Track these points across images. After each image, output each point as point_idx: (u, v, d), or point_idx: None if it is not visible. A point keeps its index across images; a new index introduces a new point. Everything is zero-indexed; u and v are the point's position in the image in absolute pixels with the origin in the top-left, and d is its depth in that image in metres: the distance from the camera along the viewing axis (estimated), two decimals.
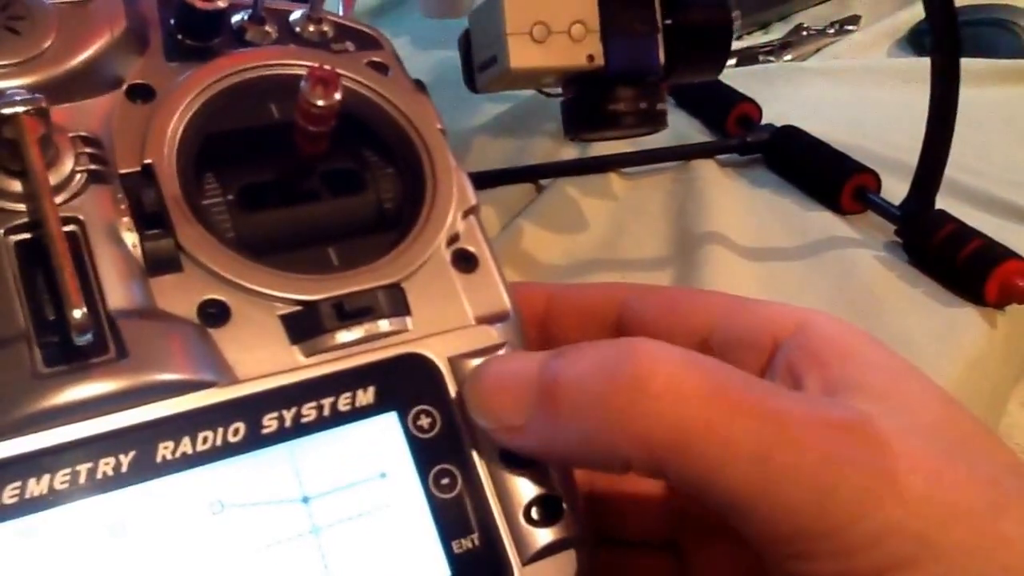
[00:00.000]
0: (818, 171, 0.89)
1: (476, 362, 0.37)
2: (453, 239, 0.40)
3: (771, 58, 1.23)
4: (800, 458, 0.31)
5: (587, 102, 0.72)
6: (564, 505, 0.36)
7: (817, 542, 0.30)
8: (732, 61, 1.18)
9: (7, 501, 0.30)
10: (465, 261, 0.40)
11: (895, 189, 0.83)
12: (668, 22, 0.67)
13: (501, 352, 0.38)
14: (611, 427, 0.32)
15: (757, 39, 1.29)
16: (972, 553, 0.30)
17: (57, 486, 0.31)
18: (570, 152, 0.92)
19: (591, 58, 0.66)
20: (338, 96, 0.36)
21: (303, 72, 0.37)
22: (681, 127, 1.00)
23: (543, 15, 0.65)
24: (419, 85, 0.44)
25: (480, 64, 0.70)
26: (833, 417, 0.32)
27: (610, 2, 0.66)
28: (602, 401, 0.32)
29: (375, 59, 0.44)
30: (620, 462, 0.33)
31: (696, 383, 0.32)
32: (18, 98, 0.33)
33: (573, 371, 0.34)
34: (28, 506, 0.31)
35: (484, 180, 0.80)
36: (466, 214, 0.41)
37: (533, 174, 0.90)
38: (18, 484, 0.31)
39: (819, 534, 0.30)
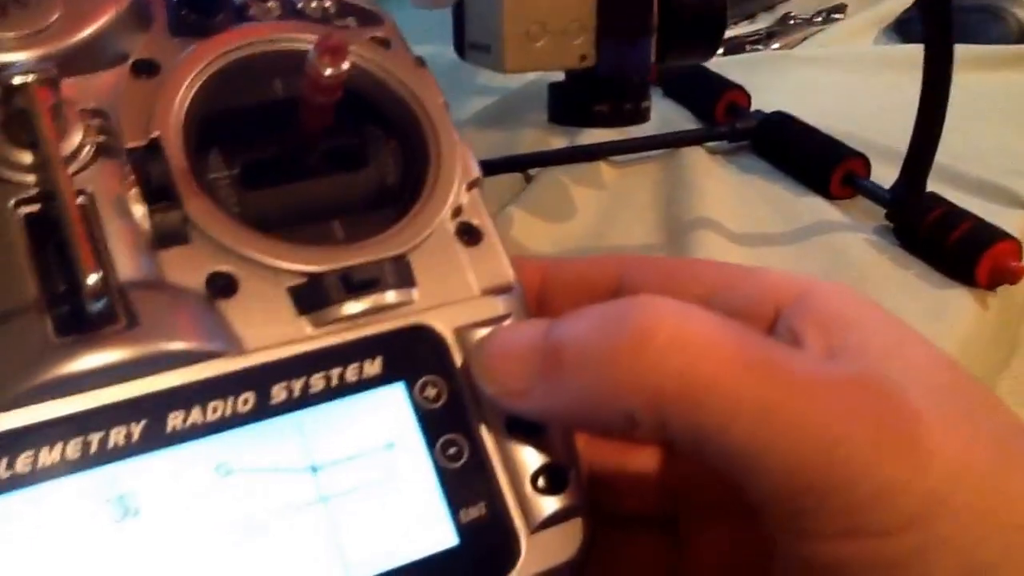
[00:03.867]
0: (808, 157, 0.89)
1: (482, 333, 0.37)
2: (457, 212, 0.40)
3: (758, 47, 1.23)
4: (808, 412, 0.30)
5: (574, 97, 0.72)
6: (570, 473, 0.37)
7: (824, 498, 0.30)
8: (719, 50, 1.18)
9: (20, 470, 0.30)
10: (469, 233, 0.40)
11: (884, 175, 0.83)
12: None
13: (508, 323, 0.38)
14: (616, 382, 0.32)
15: (744, 28, 1.29)
16: (981, 511, 0.30)
17: (69, 455, 0.31)
18: (559, 142, 0.93)
19: (583, 58, 0.67)
20: (346, 66, 0.36)
21: (307, 47, 0.37)
22: (669, 116, 1.01)
23: (541, 15, 0.65)
24: (420, 61, 0.45)
25: (472, 43, 0.70)
26: (841, 373, 0.32)
27: (608, 4, 0.66)
28: (607, 356, 0.32)
29: (377, 35, 0.44)
30: (625, 419, 0.32)
31: (702, 335, 0.31)
32: (28, 67, 0.34)
33: (577, 330, 0.34)
34: (40, 475, 0.31)
35: None
36: (470, 187, 0.41)
37: (522, 164, 0.90)
38: (31, 452, 0.31)
39: (826, 490, 0.30)
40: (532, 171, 0.90)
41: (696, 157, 0.93)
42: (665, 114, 1.02)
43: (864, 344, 0.34)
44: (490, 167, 0.88)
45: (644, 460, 0.41)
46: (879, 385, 0.31)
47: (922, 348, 0.34)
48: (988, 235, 0.75)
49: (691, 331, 0.31)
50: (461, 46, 0.73)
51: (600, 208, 0.87)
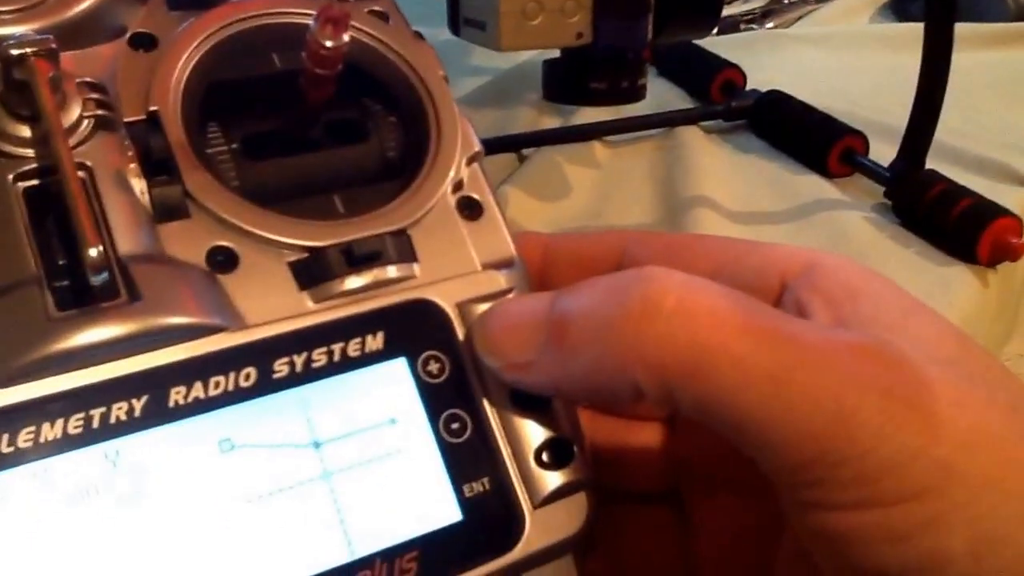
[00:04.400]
0: (805, 135, 0.89)
1: (484, 307, 0.37)
2: (458, 186, 0.40)
3: (753, 26, 1.23)
4: (819, 379, 0.30)
5: (570, 75, 0.72)
6: (574, 448, 0.36)
7: (836, 468, 0.29)
8: (713, 30, 1.18)
9: (22, 445, 0.30)
10: (470, 208, 0.40)
11: (882, 152, 0.83)
12: None
13: (511, 296, 0.38)
14: (623, 352, 0.32)
15: (738, 7, 1.29)
16: (996, 480, 0.29)
17: (71, 430, 0.31)
18: (553, 122, 0.92)
19: (580, 36, 0.67)
20: (347, 37, 0.36)
21: (305, 20, 0.37)
22: (664, 95, 1.01)
23: None
24: (419, 36, 0.44)
25: (467, 19, 0.70)
26: (853, 341, 0.31)
27: None
28: (613, 326, 0.32)
29: (376, 8, 0.44)
30: (632, 390, 0.32)
31: (708, 305, 0.31)
32: (27, 39, 0.33)
33: (582, 301, 0.33)
34: (43, 450, 0.31)
35: None
36: (470, 161, 0.41)
37: (516, 143, 0.90)
38: (32, 428, 0.31)
39: (838, 460, 0.29)
40: (526, 151, 0.90)
41: (692, 136, 0.93)
42: (659, 93, 1.01)
43: (872, 315, 0.34)
44: (484, 147, 0.88)
45: (649, 435, 0.41)
46: (889, 354, 0.31)
47: (930, 318, 0.34)
48: (988, 212, 0.75)
49: (697, 301, 0.31)
50: (456, 22, 0.73)
51: (595, 187, 0.87)
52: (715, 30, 1.17)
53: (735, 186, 0.85)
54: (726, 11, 1.27)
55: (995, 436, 0.30)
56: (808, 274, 0.36)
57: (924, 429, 0.29)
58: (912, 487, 0.29)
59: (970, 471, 0.29)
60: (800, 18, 1.26)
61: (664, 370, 0.31)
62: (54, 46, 0.34)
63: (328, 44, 0.36)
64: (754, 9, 1.27)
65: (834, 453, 0.29)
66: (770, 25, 1.24)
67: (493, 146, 0.88)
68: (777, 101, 0.93)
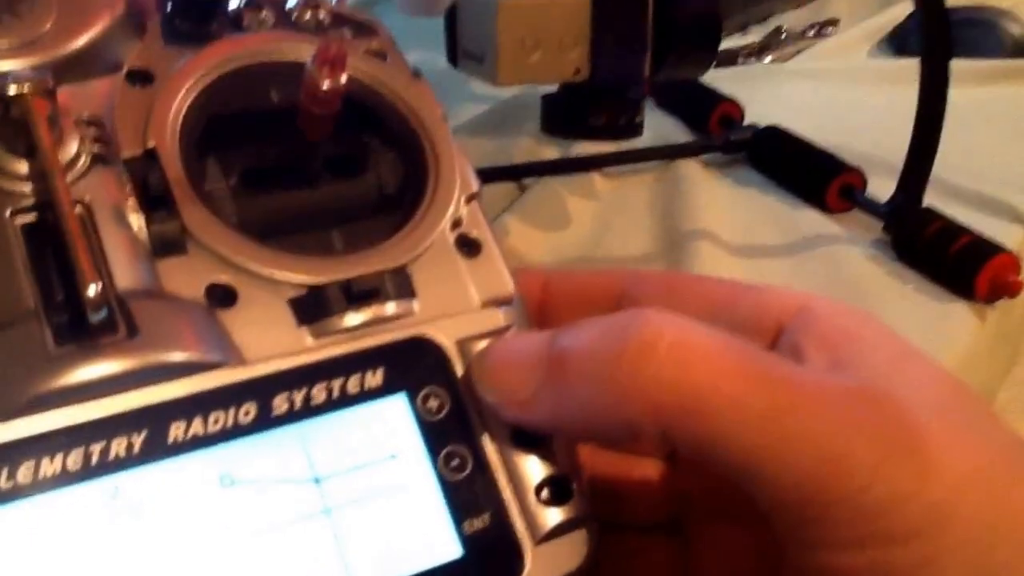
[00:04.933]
0: (804, 170, 0.89)
1: (483, 344, 0.37)
2: (456, 224, 0.40)
3: (751, 60, 1.24)
4: (812, 422, 0.30)
5: (568, 110, 0.72)
6: (574, 485, 0.36)
7: (830, 509, 0.30)
8: (711, 68, 1.18)
9: (21, 480, 0.30)
10: (468, 246, 0.40)
11: (881, 187, 0.83)
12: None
13: (510, 334, 0.38)
14: (619, 392, 0.32)
15: (737, 41, 1.29)
16: (987, 523, 0.30)
17: (70, 466, 0.31)
18: (552, 152, 0.92)
19: (578, 71, 0.67)
20: (344, 78, 0.36)
21: (302, 58, 0.37)
22: (663, 127, 1.01)
23: (535, 28, 0.65)
24: (417, 73, 0.44)
25: (465, 51, 0.70)
26: (844, 384, 0.32)
27: (603, 19, 0.66)
28: (610, 367, 0.32)
29: (373, 46, 0.44)
30: (628, 429, 0.32)
31: (703, 347, 0.32)
32: (24, 77, 0.33)
33: (581, 341, 0.34)
34: (42, 485, 0.30)
35: None
36: (468, 199, 0.41)
37: (517, 173, 0.90)
38: (32, 463, 0.31)
39: (832, 501, 0.30)
40: (526, 180, 0.90)
41: (691, 169, 0.93)
42: (658, 125, 1.02)
43: (866, 359, 0.34)
44: (484, 176, 0.88)
45: (649, 468, 0.41)
46: (882, 398, 0.31)
47: (923, 363, 0.35)
48: (986, 250, 0.75)
49: (691, 343, 0.32)
50: (454, 54, 0.73)
51: (596, 218, 0.87)
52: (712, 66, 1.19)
53: (734, 220, 0.86)
54: (725, 44, 1.27)
55: (985, 480, 0.31)
56: (803, 317, 0.37)
57: (917, 472, 0.30)
58: (905, 529, 0.30)
59: (962, 514, 0.30)
60: (798, 52, 1.27)
61: (659, 410, 0.31)
62: (51, 84, 0.34)
63: (325, 86, 0.36)
64: (753, 43, 1.27)
65: (828, 494, 0.30)
66: (768, 59, 1.24)
67: (494, 175, 0.88)
68: (775, 136, 0.93)
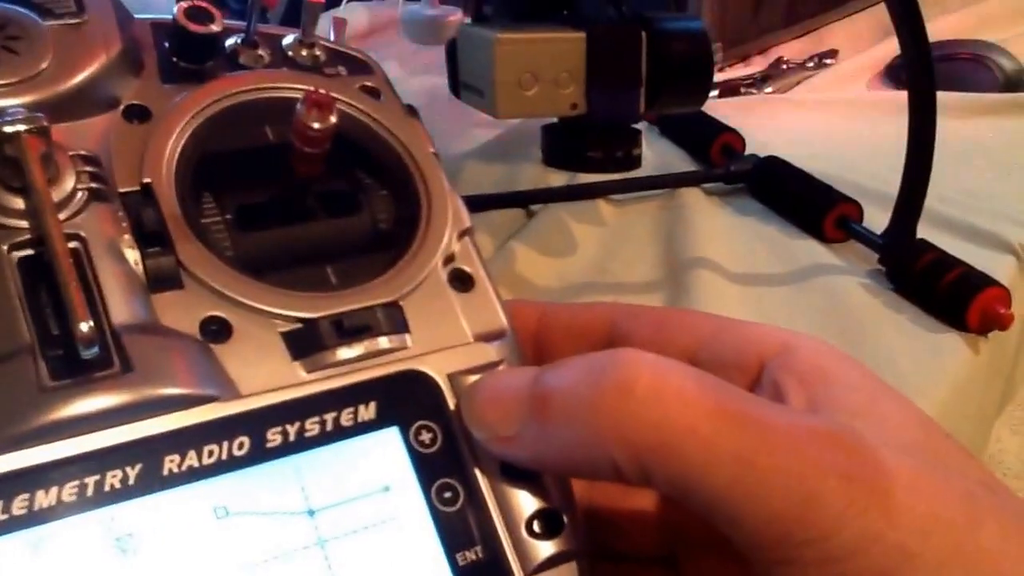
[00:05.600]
0: (802, 200, 0.90)
1: (475, 378, 0.37)
2: (449, 259, 0.40)
3: (752, 90, 1.24)
4: (783, 464, 0.31)
5: (567, 142, 0.73)
6: (565, 518, 0.37)
7: (800, 549, 0.30)
8: (714, 92, 1.19)
9: (16, 512, 0.30)
10: (461, 281, 0.40)
11: (877, 218, 0.84)
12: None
13: (499, 369, 0.38)
14: (599, 432, 0.32)
15: (738, 72, 1.30)
16: (951, 564, 0.30)
17: (65, 498, 0.31)
18: (558, 179, 0.93)
19: (574, 106, 0.68)
20: (333, 119, 0.37)
21: (297, 96, 0.37)
22: (666, 155, 1.02)
23: (532, 65, 0.66)
24: (411, 110, 0.45)
25: (465, 83, 0.71)
26: (817, 427, 0.32)
27: (597, 56, 0.67)
28: (590, 406, 0.33)
29: (367, 84, 0.44)
30: (609, 467, 0.33)
31: (679, 387, 0.32)
32: (19, 116, 0.34)
33: (563, 380, 0.34)
34: (37, 517, 0.31)
35: (474, 204, 0.82)
36: (461, 235, 0.41)
37: (523, 200, 0.91)
38: (27, 496, 0.31)
39: (802, 541, 0.30)
40: (533, 207, 0.91)
41: (693, 197, 0.94)
42: (662, 153, 1.03)
43: (841, 398, 0.35)
44: (491, 202, 0.89)
45: (643, 501, 0.41)
46: (850, 440, 0.32)
47: (896, 404, 0.36)
48: (977, 282, 0.76)
49: (668, 384, 0.32)
50: (455, 85, 0.74)
51: (601, 244, 0.88)
52: (716, 92, 1.19)
53: (734, 248, 0.86)
54: (727, 75, 1.28)
55: (952, 521, 0.31)
56: (784, 355, 0.37)
57: (882, 514, 0.30)
58: (872, 569, 0.30)
59: (925, 556, 0.30)
60: (799, 83, 1.27)
61: (636, 449, 0.32)
62: (45, 123, 0.34)
63: (314, 126, 0.37)
64: (754, 74, 1.28)
65: (799, 534, 0.30)
66: (769, 90, 1.25)
67: (501, 201, 0.90)
68: (774, 166, 0.94)
